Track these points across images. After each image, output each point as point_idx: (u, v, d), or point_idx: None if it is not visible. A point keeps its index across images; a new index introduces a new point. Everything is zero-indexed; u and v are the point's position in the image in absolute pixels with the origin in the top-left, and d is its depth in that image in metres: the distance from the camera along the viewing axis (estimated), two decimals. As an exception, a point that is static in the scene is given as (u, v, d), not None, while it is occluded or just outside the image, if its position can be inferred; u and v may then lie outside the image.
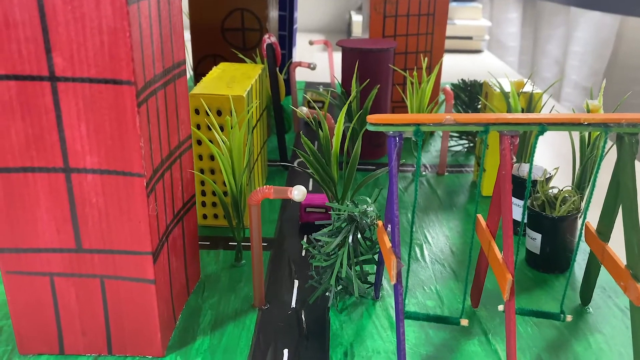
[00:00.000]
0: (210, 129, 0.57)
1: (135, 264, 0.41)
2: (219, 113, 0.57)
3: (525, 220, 0.56)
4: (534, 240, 0.55)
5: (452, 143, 0.85)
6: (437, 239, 0.61)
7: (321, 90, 1.09)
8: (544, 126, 0.38)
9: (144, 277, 0.41)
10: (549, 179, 0.58)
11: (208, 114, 0.56)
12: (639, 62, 1.63)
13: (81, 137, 0.37)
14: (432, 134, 0.90)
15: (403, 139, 0.40)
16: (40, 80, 0.36)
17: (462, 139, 0.84)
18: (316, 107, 0.60)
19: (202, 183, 0.60)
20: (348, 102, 0.61)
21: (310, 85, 1.16)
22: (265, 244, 0.59)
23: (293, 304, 0.50)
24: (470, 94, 0.81)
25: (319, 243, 0.49)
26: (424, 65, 0.71)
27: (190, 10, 0.81)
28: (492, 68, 1.37)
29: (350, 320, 0.49)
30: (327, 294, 0.50)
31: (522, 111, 0.65)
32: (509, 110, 0.64)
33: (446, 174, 0.77)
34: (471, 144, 0.83)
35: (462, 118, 0.39)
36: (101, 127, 0.37)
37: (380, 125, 0.40)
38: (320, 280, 0.50)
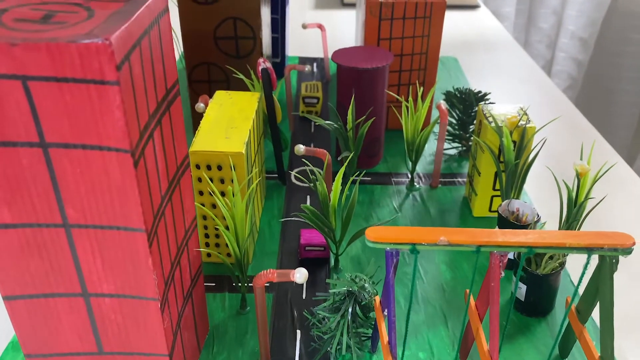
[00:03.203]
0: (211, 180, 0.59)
1: (154, 363, 0.45)
2: (219, 168, 0.59)
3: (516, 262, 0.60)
4: (520, 289, 0.59)
5: (445, 145, 0.87)
6: (430, 273, 0.65)
7: (314, 76, 1.08)
8: (531, 249, 0.41)
9: (162, 372, 0.45)
10: (536, 222, 0.61)
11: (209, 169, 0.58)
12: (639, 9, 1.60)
13: (97, 270, 0.40)
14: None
15: (399, 255, 0.42)
16: (55, 227, 0.38)
17: (454, 141, 0.85)
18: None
19: (204, 218, 0.62)
20: (349, 158, 0.62)
21: (303, 62, 1.15)
22: (267, 285, 0.63)
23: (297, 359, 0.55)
24: (464, 102, 0.82)
25: (320, 315, 0.53)
26: (420, 93, 0.72)
27: (181, 19, 0.79)
28: (487, 30, 1.34)
29: (349, 378, 0.53)
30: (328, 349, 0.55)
31: (514, 145, 0.66)
32: (501, 147, 0.65)
33: (439, 185, 0.79)
34: (464, 148, 0.85)
35: (455, 239, 0.41)
36: (115, 263, 0.39)
37: (378, 243, 0.42)
38: (322, 343, 0.54)
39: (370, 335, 0.56)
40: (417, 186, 0.79)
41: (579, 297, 0.48)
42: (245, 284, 0.59)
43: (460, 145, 0.85)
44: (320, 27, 1.03)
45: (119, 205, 0.37)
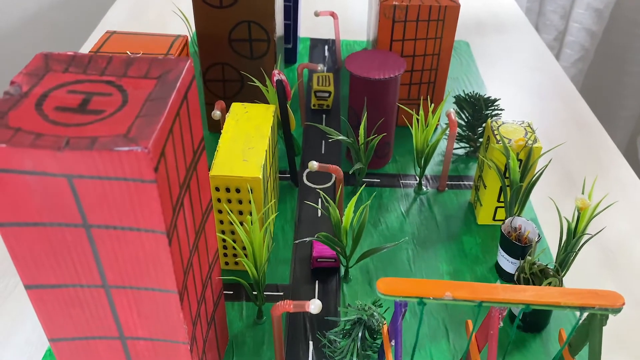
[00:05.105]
0: (230, 201, 0.62)
1: (182, 389, 0.50)
2: (237, 191, 0.62)
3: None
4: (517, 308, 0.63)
5: (453, 145, 0.89)
6: (434, 283, 0.69)
7: (325, 71, 1.08)
8: (528, 306, 0.45)
9: (190, 396, 0.50)
10: (537, 242, 0.65)
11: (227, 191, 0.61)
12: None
13: (133, 320, 0.44)
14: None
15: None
16: (95, 288, 0.41)
17: (462, 141, 0.87)
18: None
19: (223, 232, 0.66)
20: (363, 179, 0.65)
21: (314, 44, 1.15)
22: (281, 293, 0.68)
23: (309, 372, 0.60)
24: (473, 107, 0.83)
25: (331, 337, 0.57)
26: (430, 105, 0.73)
27: (196, 23, 0.80)
28: (500, 9, 1.33)
29: (357, 391, 0.59)
30: (338, 365, 0.60)
31: (520, 164, 0.69)
32: (507, 167, 0.68)
33: (446, 189, 0.82)
34: (471, 149, 0.87)
35: (459, 295, 0.45)
36: (149, 315, 0.43)
37: (389, 295, 0.46)
38: (333, 360, 0.59)
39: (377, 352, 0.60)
40: (425, 190, 0.82)
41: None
42: (262, 294, 0.63)
43: (468, 145, 0.88)
44: (333, 14, 1.03)
45: (154, 273, 0.40)
